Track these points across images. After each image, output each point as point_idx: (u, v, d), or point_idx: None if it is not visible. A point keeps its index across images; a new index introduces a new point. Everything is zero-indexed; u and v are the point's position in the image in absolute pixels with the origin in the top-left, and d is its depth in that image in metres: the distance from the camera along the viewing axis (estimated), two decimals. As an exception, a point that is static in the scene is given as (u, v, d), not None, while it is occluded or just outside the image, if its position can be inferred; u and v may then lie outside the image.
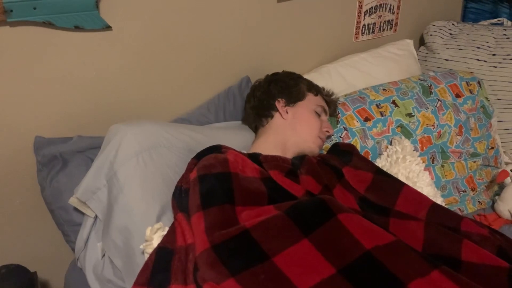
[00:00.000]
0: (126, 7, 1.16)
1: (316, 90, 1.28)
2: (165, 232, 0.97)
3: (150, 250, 0.94)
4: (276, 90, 1.24)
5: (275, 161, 1.09)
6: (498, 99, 1.56)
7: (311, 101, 1.24)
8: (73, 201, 1.07)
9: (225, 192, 0.97)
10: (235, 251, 0.87)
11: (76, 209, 1.11)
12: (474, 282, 0.83)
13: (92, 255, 1.08)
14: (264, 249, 0.87)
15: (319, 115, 1.24)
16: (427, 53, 1.71)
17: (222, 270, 0.84)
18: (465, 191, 1.38)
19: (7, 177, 1.15)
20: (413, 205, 1.10)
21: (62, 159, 1.15)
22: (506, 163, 1.51)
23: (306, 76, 1.39)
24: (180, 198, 1.01)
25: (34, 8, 1.03)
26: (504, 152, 1.54)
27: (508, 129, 1.57)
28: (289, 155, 1.17)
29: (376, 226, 0.93)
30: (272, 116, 1.22)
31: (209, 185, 0.98)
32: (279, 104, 1.22)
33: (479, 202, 1.39)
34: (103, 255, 1.07)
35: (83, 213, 1.10)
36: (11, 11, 1.01)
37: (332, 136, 1.33)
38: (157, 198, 1.04)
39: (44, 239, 1.23)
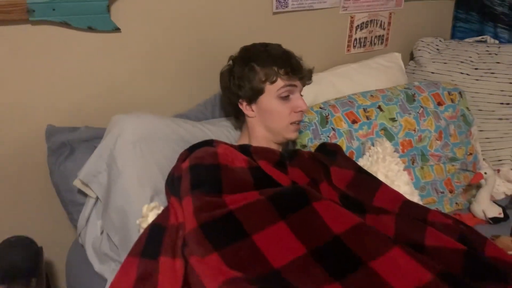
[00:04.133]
0: (134, 12, 1.29)
1: (274, 74, 1.18)
2: (159, 211, 1.07)
3: (145, 225, 1.04)
4: (235, 87, 1.22)
5: (265, 152, 1.18)
6: (480, 110, 1.66)
7: (271, 90, 1.19)
8: (77, 182, 1.18)
9: (213, 181, 1.06)
10: (220, 230, 0.97)
11: (79, 191, 1.22)
12: (432, 261, 0.92)
13: (92, 231, 1.19)
14: (245, 228, 0.97)
15: (287, 96, 1.20)
16: (415, 66, 1.82)
17: (207, 246, 0.94)
18: (443, 192, 1.47)
19: (22, 160, 1.27)
20: (388, 201, 1.19)
21: (70, 147, 1.26)
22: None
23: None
24: (172, 185, 1.11)
25: (53, 9, 1.17)
26: (483, 159, 1.63)
27: (488, 138, 1.66)
28: (274, 146, 1.26)
29: (346, 210, 1.03)
30: (243, 114, 1.25)
31: (199, 174, 1.08)
32: (242, 105, 1.23)
33: (456, 203, 1.48)
34: (102, 232, 1.18)
35: (85, 195, 1.22)
36: (34, 11, 1.14)
37: (321, 136, 1.43)
38: (151, 184, 1.14)
39: (50, 218, 1.34)
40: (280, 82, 1.19)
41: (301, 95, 1.24)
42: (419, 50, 1.81)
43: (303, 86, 1.26)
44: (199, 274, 0.91)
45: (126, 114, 1.21)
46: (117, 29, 1.28)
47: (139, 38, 1.33)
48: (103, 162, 1.16)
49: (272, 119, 1.22)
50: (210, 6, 1.41)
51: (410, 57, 1.94)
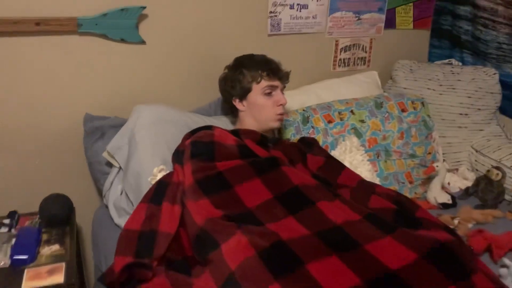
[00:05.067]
0: (156, 30, 1.68)
1: (259, 76, 1.51)
2: (165, 173, 1.40)
3: (153, 182, 1.37)
4: (229, 88, 1.55)
5: (250, 133, 1.51)
6: (443, 119, 1.95)
7: (257, 89, 1.51)
8: (105, 154, 1.54)
9: (208, 152, 1.40)
10: (210, 183, 1.30)
11: (106, 163, 1.58)
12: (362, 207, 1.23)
13: (114, 193, 1.53)
14: (230, 182, 1.30)
15: (270, 93, 1.52)
16: (392, 83, 2.13)
17: (200, 193, 1.27)
18: (404, 183, 1.75)
19: (65, 139, 1.65)
20: (348, 180, 1.49)
21: (101, 131, 1.63)
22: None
23: (291, 93, 1.84)
24: (177, 156, 1.45)
25: (96, 24, 1.56)
26: (444, 160, 1.90)
27: (449, 142, 1.94)
28: (261, 132, 1.59)
29: (307, 175, 1.34)
30: (237, 109, 1.58)
31: (198, 147, 1.42)
32: (235, 102, 1.56)
33: (415, 193, 1.76)
34: (121, 193, 1.51)
35: (110, 166, 1.57)
36: (81, 25, 1.54)
37: (302, 132, 1.75)
38: (160, 156, 1.48)
39: (82, 184, 1.70)
40: (263, 82, 1.53)
41: (283, 93, 1.58)
42: (396, 70, 2.13)
43: (283, 84, 1.59)
44: (192, 213, 1.24)
45: (145, 104, 1.58)
46: (143, 42, 1.67)
47: (159, 49, 1.71)
48: (125, 138, 1.52)
49: (259, 111, 1.55)
50: (216, 27, 1.79)
51: (390, 77, 2.26)
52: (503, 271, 1.25)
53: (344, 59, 2.14)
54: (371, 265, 1.01)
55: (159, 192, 1.33)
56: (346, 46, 2.12)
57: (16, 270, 1.26)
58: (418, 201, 1.68)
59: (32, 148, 1.62)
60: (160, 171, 1.40)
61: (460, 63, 2.12)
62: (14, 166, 1.61)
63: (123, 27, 1.61)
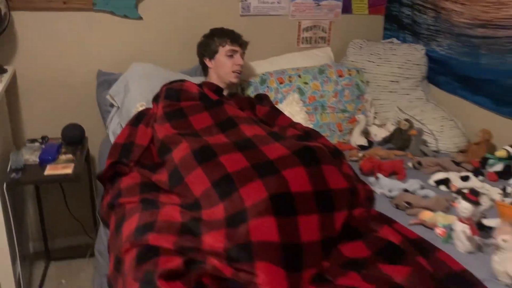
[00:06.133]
0: (152, 8, 2.27)
1: (224, 42, 2.07)
2: (145, 108, 1.99)
3: (136, 111, 1.96)
4: (203, 50, 2.13)
5: (209, 84, 2.06)
6: (378, 85, 2.42)
7: (222, 51, 2.07)
8: (108, 96, 2.15)
9: (176, 95, 1.97)
10: (173, 115, 1.87)
11: (109, 105, 2.18)
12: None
13: (114, 124, 2.14)
14: (186, 114, 1.86)
15: (232, 56, 2.08)
16: (345, 58, 2.62)
17: (165, 120, 1.84)
18: (334, 131, 2.25)
19: (83, 88, 2.28)
20: (283, 122, 2.03)
21: (108, 83, 2.24)
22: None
23: (259, 62, 2.39)
24: (156, 98, 2.03)
25: (107, 4, 2.17)
26: (375, 117, 2.38)
27: (382, 104, 2.41)
28: (223, 85, 2.14)
29: (244, 113, 1.89)
30: (207, 67, 2.16)
31: (169, 92, 1.98)
32: (206, 61, 2.12)
33: (343, 139, 2.25)
34: (118, 124, 2.11)
35: (112, 107, 2.17)
36: (95, 4, 2.15)
37: (259, 90, 2.28)
38: (146, 98, 2.05)
39: (92, 118, 2.31)
40: (227, 47, 2.10)
41: (242, 57, 2.12)
42: (349, 47, 2.61)
43: (243, 50, 2.14)
44: (157, 132, 1.81)
45: (138, 62, 2.17)
46: (140, 18, 2.26)
47: (153, 23, 2.30)
48: (122, 85, 2.12)
49: (221, 68, 2.11)
50: (198, 8, 2.36)
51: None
52: (371, 179, 1.74)
53: (306, 38, 2.64)
54: (259, 157, 1.53)
55: (138, 119, 1.92)
56: (308, 27, 2.62)
57: (42, 165, 1.89)
58: (343, 145, 2.19)
59: (61, 92, 2.26)
60: (141, 106, 1.98)
61: (399, 42, 2.58)
62: (48, 104, 2.26)
63: (125, 6, 2.22)
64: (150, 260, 1.24)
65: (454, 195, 1.63)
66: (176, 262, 1.21)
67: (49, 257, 2.41)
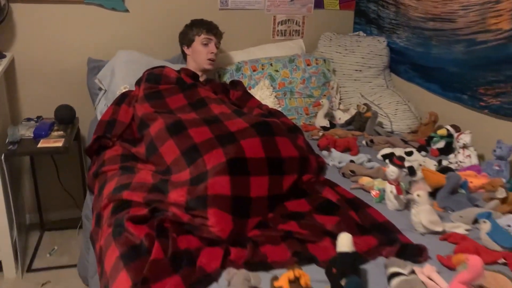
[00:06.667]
0: (138, 1, 2.50)
1: (200, 32, 2.30)
2: (127, 90, 2.23)
3: (119, 93, 2.20)
4: (182, 39, 2.38)
5: (186, 70, 2.30)
6: (343, 74, 2.66)
7: (198, 40, 2.31)
8: (96, 80, 2.39)
9: (156, 79, 2.20)
10: (152, 96, 2.10)
11: (98, 88, 2.42)
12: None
13: (101, 106, 2.38)
14: (163, 95, 2.10)
15: (206, 44, 2.31)
16: (315, 49, 2.85)
17: (145, 100, 2.08)
18: (301, 114, 2.49)
19: (75, 73, 2.52)
20: (253, 104, 2.26)
21: (98, 69, 2.48)
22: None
23: (236, 52, 2.63)
24: (138, 82, 2.27)
25: (96, -3, 2.41)
26: (339, 103, 2.61)
27: (346, 91, 2.65)
28: (199, 71, 2.37)
29: (215, 95, 2.13)
30: (186, 54, 2.41)
31: (150, 76, 2.22)
32: (185, 48, 2.37)
33: (309, 121, 2.49)
34: (105, 105, 2.35)
35: (100, 90, 2.41)
36: (86, -3, 2.40)
37: (234, 77, 2.52)
38: (129, 82, 2.29)
39: (82, 100, 2.55)
40: (203, 36, 2.34)
41: (216, 46, 2.36)
42: (320, 40, 2.85)
43: (217, 40, 2.37)
44: (137, 110, 2.04)
45: (124, 50, 2.41)
46: (127, 10, 2.50)
47: (138, 16, 2.54)
48: (109, 70, 2.36)
49: (197, 55, 2.35)
50: (180, 2, 2.60)
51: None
52: (325, 153, 1.98)
53: (281, 30, 2.88)
54: (222, 130, 1.76)
55: (121, 99, 2.16)
56: (283, 20, 2.86)
57: (36, 140, 2.14)
58: (308, 126, 2.43)
59: (54, 77, 2.50)
60: (124, 88, 2.23)
61: (365, 34, 2.81)
62: (42, 87, 2.50)
63: (113, 0, 2.45)
64: (123, 211, 1.49)
65: (386, 161, 1.87)
66: (143, 211, 1.45)
67: (43, 227, 2.65)
